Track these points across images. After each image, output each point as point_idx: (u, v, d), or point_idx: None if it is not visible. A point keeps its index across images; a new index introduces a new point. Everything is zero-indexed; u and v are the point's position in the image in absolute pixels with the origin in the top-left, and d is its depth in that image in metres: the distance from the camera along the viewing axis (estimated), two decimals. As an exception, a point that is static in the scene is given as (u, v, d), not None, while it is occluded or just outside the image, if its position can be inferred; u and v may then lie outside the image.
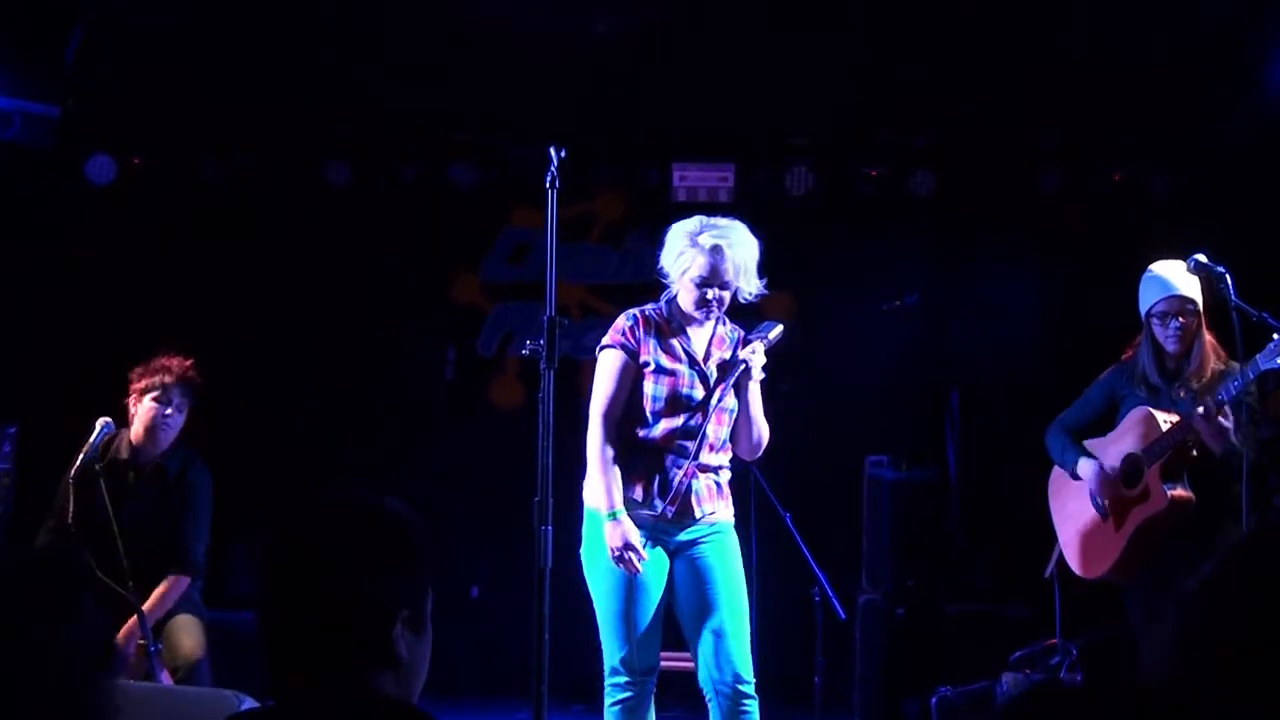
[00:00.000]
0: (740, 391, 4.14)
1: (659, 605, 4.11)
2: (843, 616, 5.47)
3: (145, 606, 4.71)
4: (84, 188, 7.32)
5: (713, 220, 4.19)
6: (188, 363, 5.03)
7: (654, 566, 4.08)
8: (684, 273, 4.12)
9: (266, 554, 1.94)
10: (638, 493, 4.08)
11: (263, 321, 7.44)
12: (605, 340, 4.18)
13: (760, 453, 4.26)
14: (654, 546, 4.09)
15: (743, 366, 4.09)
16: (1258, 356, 4.24)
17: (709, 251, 4.08)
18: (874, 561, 6.75)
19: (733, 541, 4.19)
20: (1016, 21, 6.42)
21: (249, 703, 3.37)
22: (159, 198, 7.45)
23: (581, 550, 4.17)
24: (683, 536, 4.11)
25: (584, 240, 7.71)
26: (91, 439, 4.66)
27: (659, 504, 4.06)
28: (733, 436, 4.20)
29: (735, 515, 4.27)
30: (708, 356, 4.18)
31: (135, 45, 6.76)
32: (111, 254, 7.34)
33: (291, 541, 1.94)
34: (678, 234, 4.18)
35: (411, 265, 7.68)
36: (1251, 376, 4.28)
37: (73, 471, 4.62)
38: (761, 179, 7.45)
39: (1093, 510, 4.78)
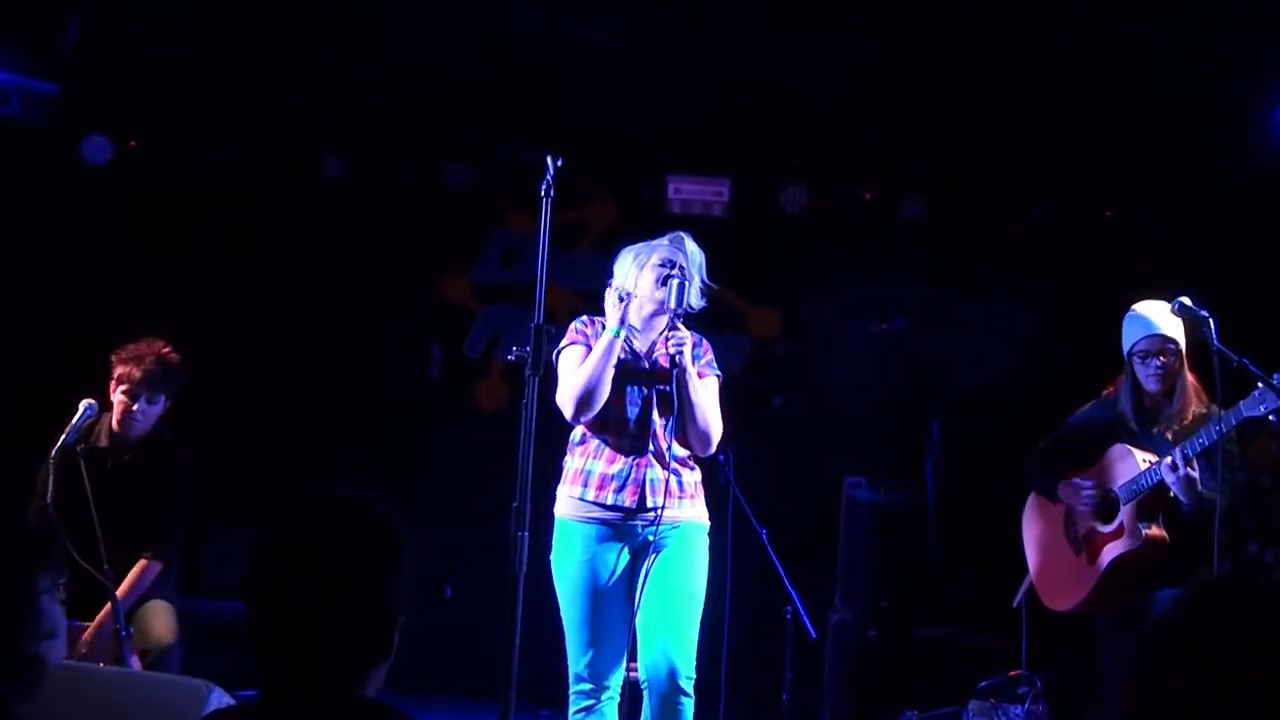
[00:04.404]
0: (682, 377, 4.16)
1: (623, 615, 4.14)
2: (814, 635, 5.48)
3: (118, 591, 4.71)
4: (79, 167, 7.31)
5: None
6: (164, 352, 4.96)
7: (619, 575, 4.13)
8: (644, 265, 4.29)
9: (269, 559, 1.93)
10: (597, 490, 4.15)
11: (250, 309, 7.44)
12: (563, 343, 4.31)
13: (710, 447, 4.27)
14: (621, 554, 4.13)
15: (679, 350, 4.14)
16: (1240, 404, 4.25)
17: (668, 241, 4.33)
18: (848, 582, 6.77)
19: (695, 540, 4.22)
20: (1016, 58, 6.48)
21: (218, 692, 3.38)
22: (154, 181, 7.44)
23: (551, 556, 4.22)
24: (647, 533, 4.14)
25: (576, 246, 7.73)
26: (74, 420, 4.65)
27: (616, 495, 4.12)
28: (683, 428, 4.23)
29: (711, 528, 4.29)
30: (652, 352, 4.28)
31: (137, 29, 6.77)
32: (104, 235, 7.33)
33: (301, 544, 1.93)
34: (626, 251, 4.39)
35: (403, 262, 7.68)
36: (1233, 423, 4.30)
37: (53, 451, 4.62)
38: (756, 195, 7.47)
39: (1065, 542, 4.81)
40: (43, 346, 6.99)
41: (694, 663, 4.15)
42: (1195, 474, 4.32)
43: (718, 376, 4.34)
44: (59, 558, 4.69)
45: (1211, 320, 4.31)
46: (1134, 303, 4.72)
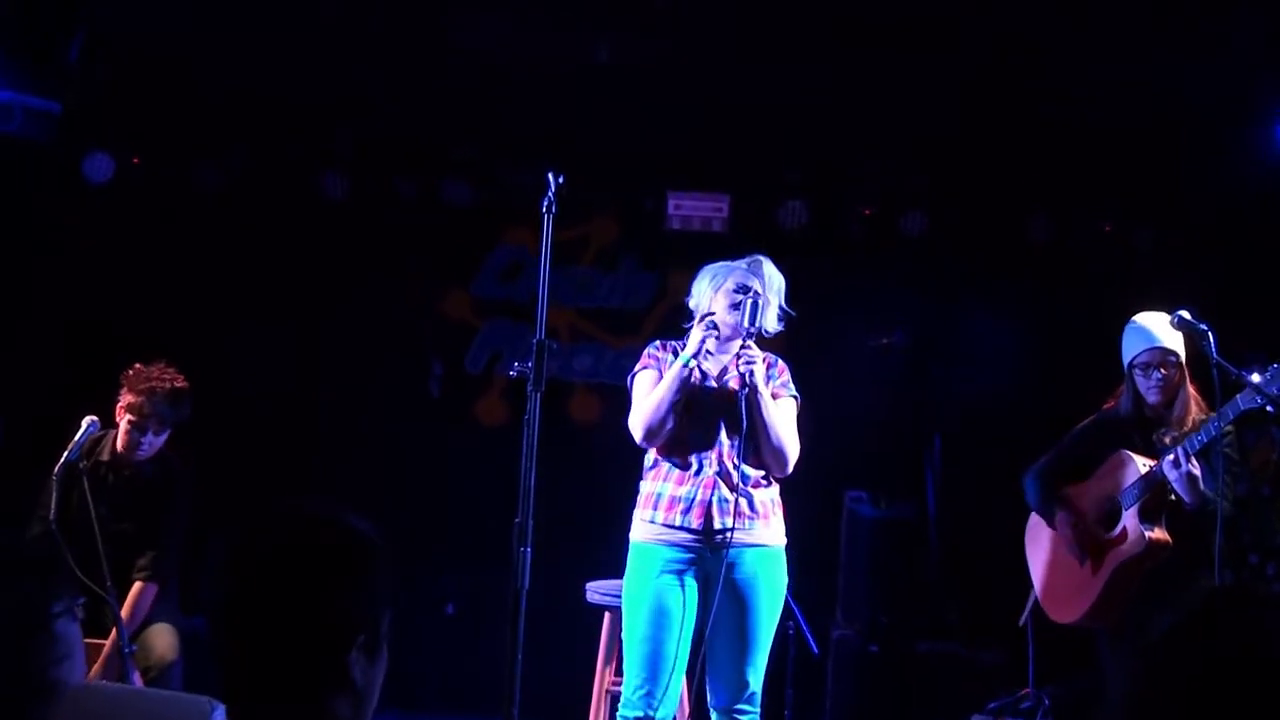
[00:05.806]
0: (753, 396, 4.18)
1: (685, 645, 4.16)
2: (816, 652, 5.48)
3: (121, 610, 4.72)
4: (81, 185, 7.32)
5: None
6: (176, 385, 4.97)
7: (687, 605, 4.14)
8: (719, 289, 4.32)
9: (220, 571, 1.87)
10: (666, 511, 4.17)
11: (251, 327, 7.43)
12: (636, 368, 4.36)
13: (787, 467, 4.30)
14: (689, 577, 4.14)
15: (750, 369, 4.18)
16: (1238, 396, 4.28)
17: (745, 265, 4.40)
18: (849, 597, 6.76)
19: (772, 570, 4.24)
20: (1014, 72, 6.50)
21: (222, 710, 3.38)
22: (156, 199, 7.45)
23: (624, 579, 4.27)
24: (719, 559, 4.13)
25: (576, 262, 7.73)
26: (77, 437, 4.66)
27: (684, 517, 4.14)
28: (756, 448, 4.24)
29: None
30: (723, 374, 4.28)
31: (139, 46, 6.79)
32: (105, 253, 7.34)
33: (246, 560, 1.87)
34: (705, 271, 4.43)
35: (403, 278, 7.69)
36: (1231, 416, 4.31)
37: (57, 468, 4.62)
38: (755, 211, 7.47)
39: (1069, 554, 4.80)
40: (45, 362, 7.00)
41: (759, 696, 4.18)
42: (1197, 471, 4.33)
43: (794, 398, 4.38)
44: (66, 577, 4.69)
45: (1210, 333, 4.33)
46: (1134, 315, 4.74)
